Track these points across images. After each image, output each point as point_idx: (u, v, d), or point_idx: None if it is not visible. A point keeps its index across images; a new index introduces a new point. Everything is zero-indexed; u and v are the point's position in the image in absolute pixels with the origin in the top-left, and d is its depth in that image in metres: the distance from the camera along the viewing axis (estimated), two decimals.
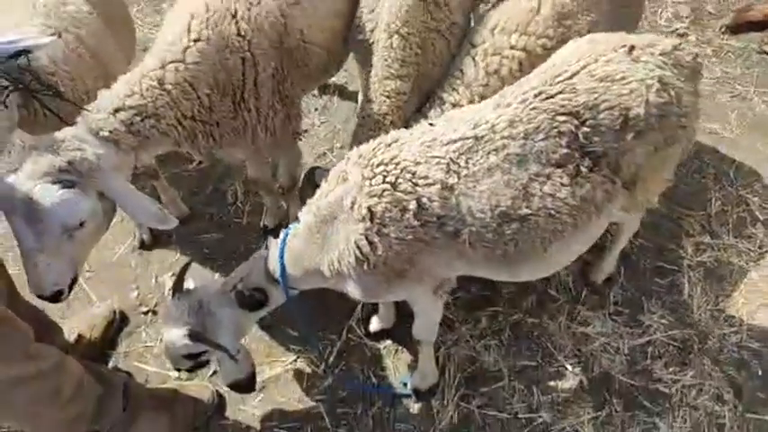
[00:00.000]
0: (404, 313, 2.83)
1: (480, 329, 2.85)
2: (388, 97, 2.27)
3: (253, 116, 2.16)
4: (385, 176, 1.70)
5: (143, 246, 3.18)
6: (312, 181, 2.46)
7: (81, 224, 1.79)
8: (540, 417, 2.59)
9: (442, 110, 2.20)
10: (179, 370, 2.26)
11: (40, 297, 1.89)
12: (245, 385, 2.24)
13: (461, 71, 2.31)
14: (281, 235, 1.96)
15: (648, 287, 2.95)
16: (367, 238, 1.72)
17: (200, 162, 3.58)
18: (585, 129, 1.73)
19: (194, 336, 1.99)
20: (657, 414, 2.58)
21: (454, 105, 2.20)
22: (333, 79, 3.89)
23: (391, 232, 1.71)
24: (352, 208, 1.72)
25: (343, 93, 3.92)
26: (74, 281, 1.93)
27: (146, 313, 2.97)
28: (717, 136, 3.52)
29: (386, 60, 2.31)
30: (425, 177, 1.70)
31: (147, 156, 2.11)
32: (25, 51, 1.78)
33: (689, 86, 1.91)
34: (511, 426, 2.58)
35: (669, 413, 2.58)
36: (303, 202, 2.06)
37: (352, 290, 1.89)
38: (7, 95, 1.78)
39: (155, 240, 3.21)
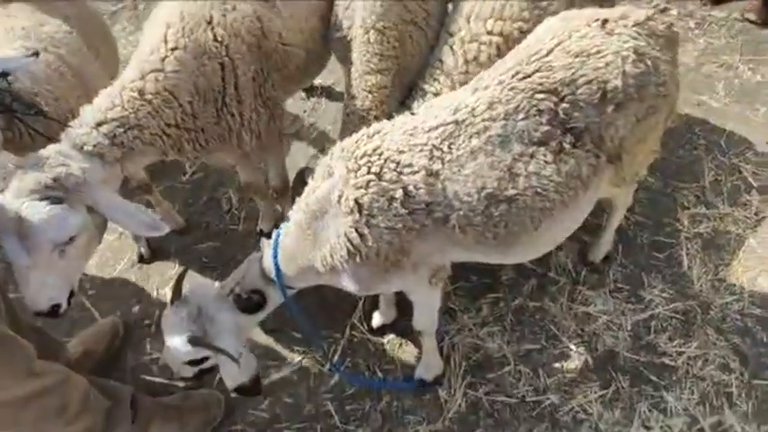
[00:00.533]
0: (405, 307, 2.85)
1: (482, 317, 2.86)
2: (369, 92, 2.28)
3: (236, 120, 2.18)
4: (369, 167, 1.71)
5: (142, 260, 3.21)
6: (303, 181, 2.47)
7: (71, 239, 1.81)
8: (547, 399, 2.59)
9: (425, 100, 2.21)
10: (183, 379, 2.25)
11: (37, 314, 1.90)
12: (251, 388, 2.22)
13: (441, 61, 2.32)
14: (273, 235, 1.97)
15: (647, 262, 2.95)
16: (357, 230, 1.73)
17: (193, 173, 3.61)
18: (565, 105, 1.74)
19: (195, 341, 1.98)
20: (664, 387, 2.57)
21: (436, 95, 2.21)
22: (320, 81, 3.92)
23: (380, 222, 1.72)
24: (339, 201, 1.73)
25: (331, 94, 3.94)
26: (71, 294, 1.94)
27: (149, 326, 2.98)
28: (705, 107, 3.52)
29: (365, 56, 2.33)
30: (410, 165, 1.71)
31: (133, 166, 2.12)
32: (3, 74, 1.81)
33: (665, 55, 1.91)
34: (519, 410, 2.58)
35: (676, 385, 2.57)
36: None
37: (347, 283, 1.89)
38: None
39: (153, 254, 3.23)
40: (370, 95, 2.28)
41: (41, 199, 1.71)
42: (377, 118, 2.31)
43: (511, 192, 1.72)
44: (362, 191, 1.70)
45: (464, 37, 2.29)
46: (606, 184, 2.02)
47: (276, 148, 2.61)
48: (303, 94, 3.92)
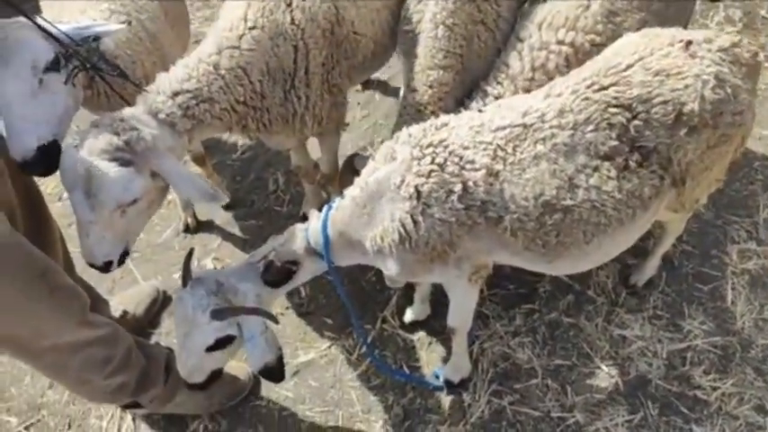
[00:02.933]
0: (438, 307, 2.86)
1: (515, 326, 2.84)
2: (430, 87, 2.29)
3: (302, 104, 2.21)
4: (434, 158, 1.72)
5: (187, 230, 3.29)
6: (352, 168, 2.50)
7: (134, 201, 1.87)
8: (573, 417, 2.56)
9: (485, 102, 2.20)
10: (191, 386, 2.08)
11: (91, 266, 1.97)
12: (276, 369, 2.04)
13: (507, 65, 2.31)
14: (324, 209, 1.98)
15: (690, 293, 2.89)
16: (412, 217, 1.74)
17: (243, 152, 3.68)
18: (637, 122, 1.72)
19: (219, 313, 1.84)
20: (695, 421, 2.52)
21: (497, 98, 2.20)
22: (376, 75, 3.94)
23: (435, 213, 1.73)
24: (399, 186, 1.74)
25: (386, 88, 3.96)
26: (125, 254, 2.00)
27: None
28: (766, 140, 3.43)
29: (430, 51, 2.34)
30: (472, 162, 1.71)
31: (199, 138, 2.18)
32: (96, 38, 1.88)
33: (746, 84, 1.87)
34: (543, 424, 2.56)
35: (707, 421, 2.52)
36: (343, 189, 2.10)
37: (391, 267, 1.90)
38: (75, 75, 1.88)
39: (198, 225, 3.31)
40: (429, 90, 2.29)
41: (111, 159, 1.77)
42: (433, 113, 2.32)
43: (568, 202, 1.72)
44: (423, 179, 1.71)
45: (534, 44, 2.28)
46: (664, 208, 1.99)
47: (333, 135, 2.64)
48: (359, 87, 3.95)
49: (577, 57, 2.25)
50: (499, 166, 1.72)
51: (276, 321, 1.97)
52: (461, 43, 2.38)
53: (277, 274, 1.98)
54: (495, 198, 1.73)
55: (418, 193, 1.73)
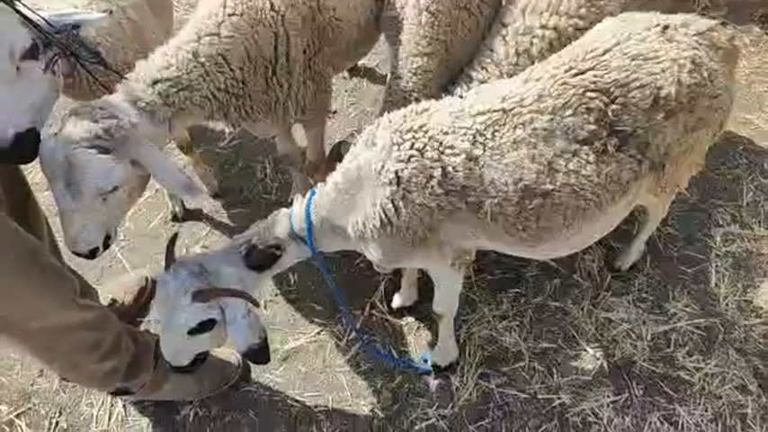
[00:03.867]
0: (426, 291, 2.88)
1: (502, 311, 2.87)
2: (414, 74, 2.29)
3: (284, 91, 2.21)
4: (413, 143, 1.73)
5: (175, 219, 3.29)
6: (339, 155, 2.50)
7: (114, 189, 1.87)
8: (559, 398, 2.60)
9: (470, 88, 2.21)
10: (176, 369, 2.09)
11: (75, 254, 1.98)
12: (261, 350, 1.99)
13: (491, 50, 2.32)
14: (308, 194, 1.99)
15: (674, 275, 2.93)
16: (392, 202, 1.75)
17: (231, 140, 3.68)
18: (615, 106, 1.73)
19: (200, 294, 1.84)
20: (678, 401, 2.57)
21: (482, 83, 2.21)
22: (363, 62, 3.94)
23: (416, 198, 1.74)
24: (379, 172, 1.75)
25: (373, 76, 3.96)
26: (108, 239, 2.01)
27: None
28: (752, 126, 3.45)
29: (414, 37, 2.34)
30: (452, 147, 1.72)
31: (181, 127, 2.17)
32: (76, 26, 1.87)
33: (723, 68, 1.89)
34: (530, 406, 2.60)
35: (690, 400, 2.56)
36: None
37: (374, 252, 1.92)
38: (55, 62, 1.87)
39: (186, 214, 3.31)
40: (414, 77, 2.29)
41: (90, 147, 1.77)
42: (417, 100, 2.33)
43: (548, 187, 1.73)
44: (403, 164, 1.72)
45: (518, 29, 2.29)
46: (645, 192, 2.01)
47: (318, 122, 2.65)
48: (346, 74, 3.94)
49: (561, 41, 2.26)
50: (479, 151, 1.73)
51: (257, 305, 1.97)
52: (445, 29, 2.38)
53: (260, 259, 1.99)
54: (475, 183, 1.74)
55: (398, 178, 1.74)
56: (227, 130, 3.68)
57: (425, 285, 2.87)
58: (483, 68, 2.24)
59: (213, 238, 3.23)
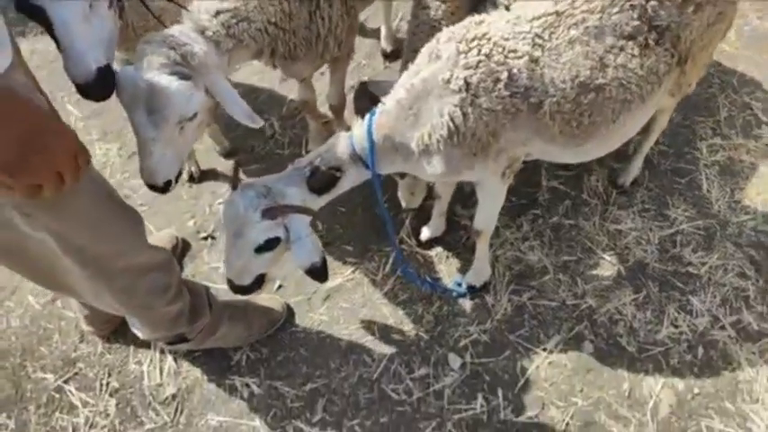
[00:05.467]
0: (450, 223, 3.05)
1: (523, 233, 3.07)
2: (443, 2, 2.40)
3: (325, 25, 2.28)
4: (479, 49, 1.84)
5: (192, 179, 3.29)
6: (366, 94, 2.60)
7: (194, 116, 1.90)
8: (585, 302, 2.84)
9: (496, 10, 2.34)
10: (238, 289, 2.15)
11: (151, 187, 2.00)
12: (321, 269, 2.07)
13: None
14: (367, 116, 2.06)
15: (670, 186, 3.21)
16: (461, 109, 1.87)
17: None
18: (653, 2, 1.91)
19: (269, 212, 1.91)
20: (690, 292, 2.85)
21: (507, 8, 2.36)
22: None
23: (483, 102, 1.86)
24: (448, 81, 1.86)
25: (364, 30, 4.04)
26: (179, 175, 2.05)
27: (205, 239, 3.10)
28: (719, 50, 3.76)
29: None
30: (514, 51, 1.85)
31: (235, 62, 2.20)
32: None
33: None
34: (561, 312, 2.82)
35: (700, 290, 2.85)
36: (361, 115, 2.19)
37: (437, 164, 2.01)
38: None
39: (202, 175, 3.32)
40: (443, 5, 2.40)
41: (171, 74, 1.80)
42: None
43: (600, 81, 1.90)
44: (472, 71, 1.83)
45: None
46: (665, 92, 2.23)
47: (345, 62, 2.73)
48: None
49: None
50: (538, 53, 1.87)
51: (318, 219, 1.98)
52: None
53: (322, 180, 2.05)
54: (536, 83, 1.88)
55: (467, 84, 1.85)
56: None
57: (449, 218, 3.04)
58: None
59: None
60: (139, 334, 2.37)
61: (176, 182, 2.06)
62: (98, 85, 1.75)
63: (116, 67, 1.89)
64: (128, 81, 1.80)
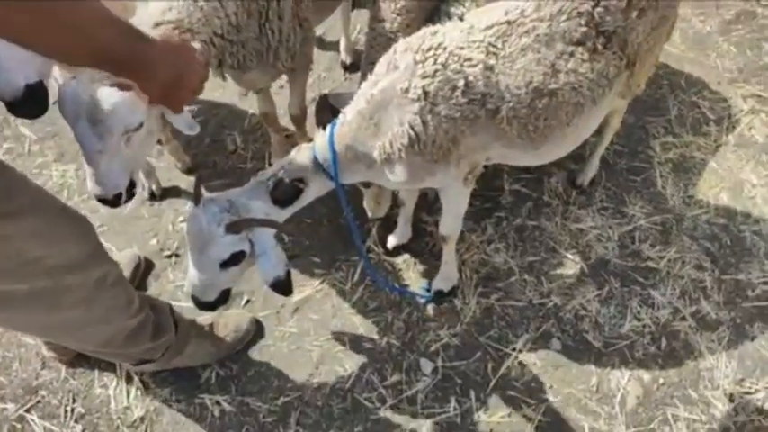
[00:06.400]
0: (416, 230, 3.07)
1: (488, 235, 3.12)
2: (398, 15, 2.45)
3: (275, 37, 2.29)
4: (436, 59, 1.88)
5: (153, 197, 3.24)
6: (327, 105, 2.62)
7: (139, 126, 1.87)
8: (551, 301, 2.89)
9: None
10: (201, 305, 2.12)
11: (101, 201, 1.95)
12: (285, 282, 2.02)
13: None
14: (328, 127, 2.08)
15: (627, 184, 3.32)
16: (420, 118, 1.90)
17: (194, 116, 3.64)
18: (599, 9, 1.99)
19: (234, 226, 1.89)
20: (650, 286, 2.94)
21: (461, 18, 2.41)
22: None
23: (442, 110, 1.89)
24: (407, 90, 1.89)
25: (323, 44, 4.07)
26: (132, 188, 2.01)
27: (169, 257, 3.05)
28: (666, 53, 3.92)
29: None
30: (470, 59, 1.90)
31: None
32: None
33: None
34: (528, 311, 2.87)
35: (660, 284, 2.94)
36: (323, 127, 2.20)
37: (399, 173, 2.04)
38: None
39: (164, 192, 3.28)
40: (398, 18, 2.45)
41: (112, 85, 1.77)
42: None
43: (553, 86, 1.96)
44: (430, 79, 1.87)
45: None
46: (615, 94, 2.31)
47: (303, 73, 2.74)
48: None
49: None
50: (493, 61, 1.92)
51: (290, 234, 2.01)
52: None
53: (286, 192, 2.05)
54: (492, 90, 1.93)
55: (425, 93, 1.88)
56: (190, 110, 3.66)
57: (414, 225, 3.07)
58: (460, 3, 2.44)
59: None
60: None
61: (129, 196, 2.01)
62: (26, 103, 1.72)
63: (59, 81, 1.86)
64: (70, 94, 1.77)
